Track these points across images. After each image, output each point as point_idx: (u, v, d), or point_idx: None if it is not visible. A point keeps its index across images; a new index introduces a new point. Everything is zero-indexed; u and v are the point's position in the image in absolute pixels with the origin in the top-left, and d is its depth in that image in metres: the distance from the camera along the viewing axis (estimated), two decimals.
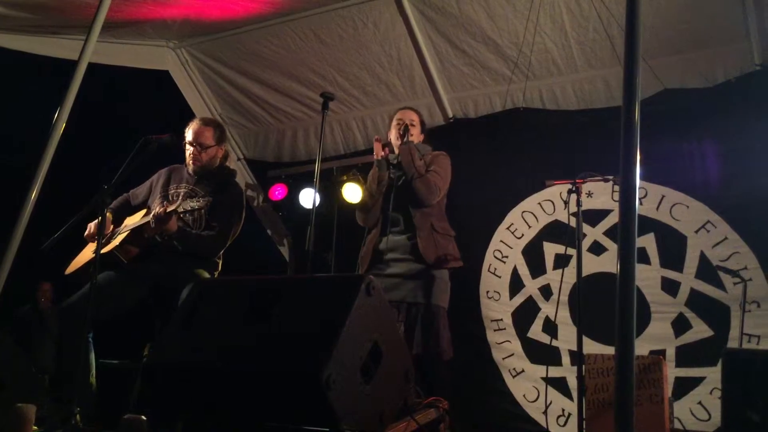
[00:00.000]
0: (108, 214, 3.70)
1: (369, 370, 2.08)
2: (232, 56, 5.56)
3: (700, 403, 4.25)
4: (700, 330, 4.38)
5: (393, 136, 3.98)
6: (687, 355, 4.36)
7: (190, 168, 3.81)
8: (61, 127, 3.08)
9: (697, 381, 4.29)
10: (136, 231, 3.58)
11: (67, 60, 4.46)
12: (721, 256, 4.41)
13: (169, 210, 3.44)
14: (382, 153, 3.90)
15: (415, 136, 3.95)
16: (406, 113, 4.04)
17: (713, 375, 4.19)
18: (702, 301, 4.42)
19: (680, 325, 4.44)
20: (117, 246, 3.57)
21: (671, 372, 4.18)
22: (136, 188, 4.00)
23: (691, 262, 4.50)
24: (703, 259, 4.47)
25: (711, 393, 4.21)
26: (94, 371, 3.41)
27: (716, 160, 4.43)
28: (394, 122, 4.01)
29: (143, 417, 2.32)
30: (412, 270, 3.68)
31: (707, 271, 4.44)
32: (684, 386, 4.31)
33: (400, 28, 4.98)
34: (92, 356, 3.40)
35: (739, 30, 4.31)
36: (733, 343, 4.18)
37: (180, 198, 3.66)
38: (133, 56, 5.30)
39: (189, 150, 3.78)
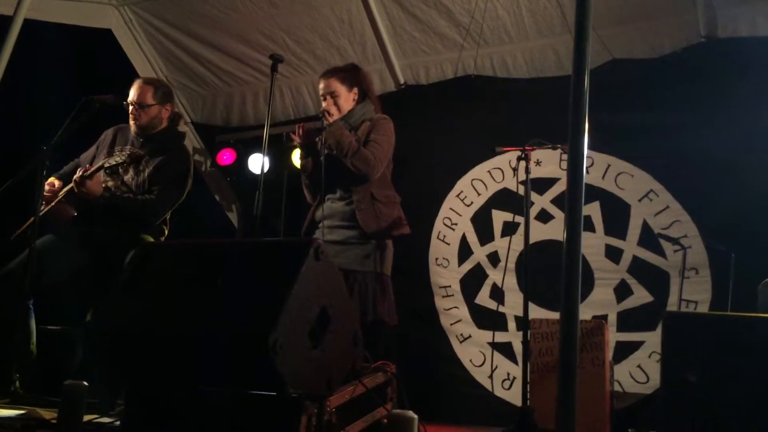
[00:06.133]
0: (53, 178, 3.61)
1: (317, 335, 2.08)
2: (178, 17, 5.38)
3: (639, 366, 4.39)
4: (640, 296, 4.50)
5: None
6: (628, 320, 4.49)
7: (133, 129, 3.73)
8: None
9: (636, 345, 4.43)
10: (71, 192, 3.50)
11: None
12: (662, 224, 4.52)
13: (88, 173, 3.38)
14: (298, 139, 3.64)
15: (341, 106, 3.61)
16: (325, 83, 3.65)
17: (652, 339, 4.32)
18: (643, 268, 4.53)
19: (622, 291, 4.55)
20: (54, 207, 3.49)
21: (612, 336, 4.30)
22: (85, 152, 3.89)
23: (634, 230, 4.60)
24: (646, 227, 4.57)
25: (650, 357, 4.35)
26: (34, 338, 3.33)
27: (661, 131, 4.50)
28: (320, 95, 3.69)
29: (85, 383, 2.27)
30: (350, 237, 3.52)
31: (649, 238, 4.54)
32: (624, 350, 4.44)
33: None
34: (32, 322, 3.33)
35: (687, 1, 4.37)
36: (672, 309, 4.31)
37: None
38: (73, 13, 5.05)
39: (130, 110, 3.70)
